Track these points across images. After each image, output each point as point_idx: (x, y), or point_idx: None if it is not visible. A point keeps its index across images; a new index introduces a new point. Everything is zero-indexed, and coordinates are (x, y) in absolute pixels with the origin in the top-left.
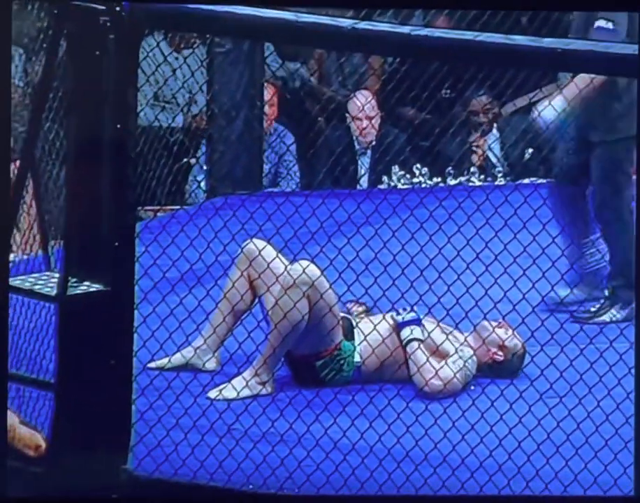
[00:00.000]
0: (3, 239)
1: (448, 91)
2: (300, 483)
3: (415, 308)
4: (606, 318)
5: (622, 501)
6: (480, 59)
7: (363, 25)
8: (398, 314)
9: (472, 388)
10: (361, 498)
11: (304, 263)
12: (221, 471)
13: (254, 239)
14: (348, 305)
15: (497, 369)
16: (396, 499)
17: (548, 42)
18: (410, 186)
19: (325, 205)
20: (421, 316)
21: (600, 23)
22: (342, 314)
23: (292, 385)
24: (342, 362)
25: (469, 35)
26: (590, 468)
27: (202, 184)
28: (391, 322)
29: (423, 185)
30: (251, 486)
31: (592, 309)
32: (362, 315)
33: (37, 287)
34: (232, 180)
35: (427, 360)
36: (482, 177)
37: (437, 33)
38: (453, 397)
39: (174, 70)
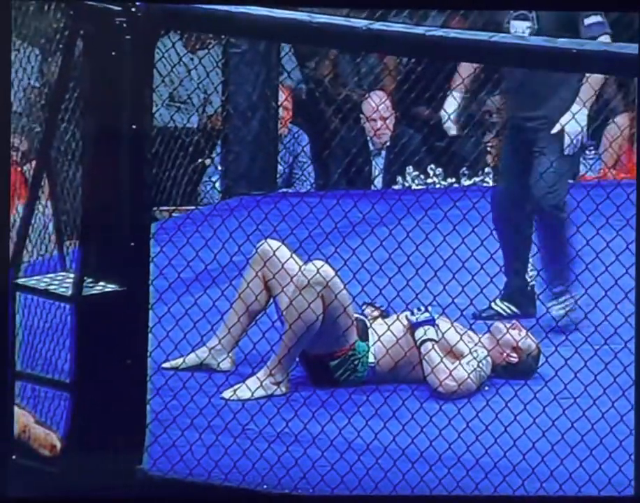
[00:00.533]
0: (3, 239)
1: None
2: (315, 483)
3: (429, 308)
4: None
5: (622, 501)
6: (494, 59)
7: (378, 26)
8: (412, 314)
9: (486, 388)
10: (376, 498)
11: (319, 263)
12: (236, 471)
13: (269, 240)
14: (364, 308)
15: (512, 371)
16: (410, 499)
17: (561, 42)
18: (424, 187)
19: (340, 206)
20: (435, 317)
21: (591, 19)
22: (356, 315)
23: (306, 386)
24: (356, 362)
25: (483, 35)
26: (604, 469)
27: (217, 184)
28: (405, 322)
29: (437, 186)
30: (265, 486)
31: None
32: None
33: (52, 287)
34: (247, 181)
35: (442, 360)
36: (496, 177)
37: (452, 33)
38: (467, 398)
39: (189, 71)
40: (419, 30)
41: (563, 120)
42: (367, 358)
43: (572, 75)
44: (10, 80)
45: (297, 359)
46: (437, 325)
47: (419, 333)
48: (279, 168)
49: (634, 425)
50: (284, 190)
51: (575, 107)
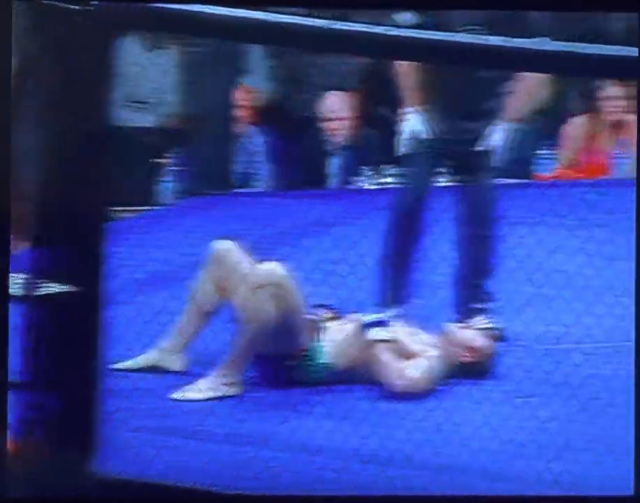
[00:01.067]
0: (3, 240)
1: None
2: (268, 484)
3: (382, 309)
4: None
5: (622, 501)
6: (457, 59)
7: (338, 25)
8: (365, 315)
9: (441, 388)
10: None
11: (272, 263)
12: (187, 472)
13: (222, 240)
14: (317, 309)
15: (466, 370)
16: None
17: (521, 42)
18: (380, 187)
19: (296, 206)
20: (388, 317)
21: None
22: (310, 316)
23: (261, 386)
24: (310, 362)
25: (442, 35)
26: (554, 468)
27: (174, 184)
28: (358, 323)
29: (393, 186)
30: (217, 487)
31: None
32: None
33: None
34: (203, 181)
35: (394, 361)
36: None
37: (411, 32)
38: (420, 398)
39: (148, 71)
40: (379, 29)
41: (489, 136)
42: (321, 358)
43: (497, 88)
44: (11, 80)
45: (252, 360)
46: (390, 326)
47: (372, 334)
48: (237, 168)
49: (634, 425)
50: (240, 190)
51: (500, 124)
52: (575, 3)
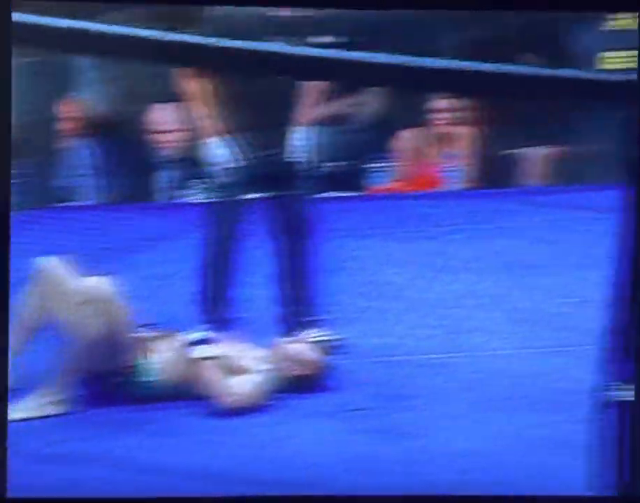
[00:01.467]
0: (2, 239)
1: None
2: None
3: (208, 325)
4: None
5: (609, 500)
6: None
7: (167, 36)
8: (191, 332)
9: (271, 403)
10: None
11: (97, 278)
12: (10, 492)
13: (47, 256)
14: (143, 327)
15: (297, 384)
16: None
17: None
18: (210, 201)
19: (124, 220)
20: (215, 334)
21: None
22: (137, 333)
23: (88, 404)
24: (137, 380)
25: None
26: (387, 480)
27: None
28: (184, 340)
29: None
30: None
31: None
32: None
33: None
34: (28, 195)
35: (222, 377)
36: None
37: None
38: (250, 413)
39: None
40: (210, 40)
41: (295, 146)
42: (148, 375)
43: (295, 97)
44: (11, 81)
45: (78, 377)
46: (217, 343)
47: (197, 352)
48: (63, 181)
49: (630, 424)
50: (67, 204)
51: (303, 132)
52: (575, 3)
